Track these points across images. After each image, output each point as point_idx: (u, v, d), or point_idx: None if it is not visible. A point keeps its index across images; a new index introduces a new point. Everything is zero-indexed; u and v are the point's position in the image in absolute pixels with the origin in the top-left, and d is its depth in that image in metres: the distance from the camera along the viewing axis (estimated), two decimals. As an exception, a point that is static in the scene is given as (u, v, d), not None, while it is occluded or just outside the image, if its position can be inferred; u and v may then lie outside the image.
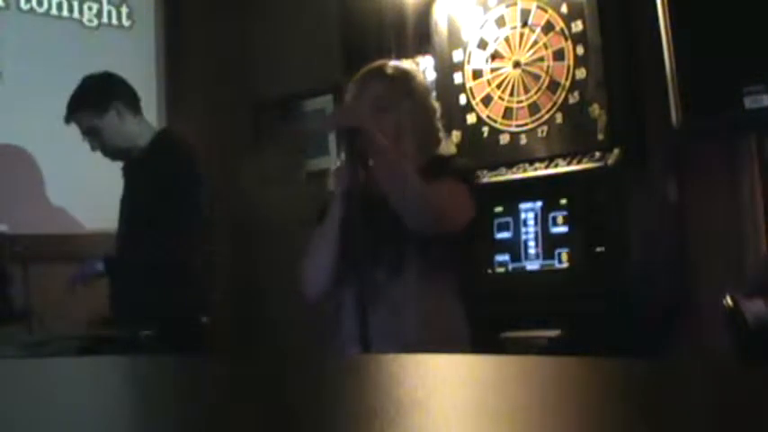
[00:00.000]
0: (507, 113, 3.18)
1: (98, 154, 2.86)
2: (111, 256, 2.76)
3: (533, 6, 3.13)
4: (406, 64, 2.39)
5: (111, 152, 2.79)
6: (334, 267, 2.14)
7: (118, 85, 2.82)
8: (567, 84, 3.03)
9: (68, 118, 2.76)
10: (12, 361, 2.03)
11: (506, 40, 3.20)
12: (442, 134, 2.31)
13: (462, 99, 3.29)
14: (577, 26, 3.02)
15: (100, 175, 3.64)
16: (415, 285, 2.11)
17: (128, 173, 2.85)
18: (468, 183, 2.20)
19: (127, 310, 2.69)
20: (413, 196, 2.04)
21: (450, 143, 2.38)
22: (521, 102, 3.15)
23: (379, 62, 2.34)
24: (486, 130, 3.23)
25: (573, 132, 3.01)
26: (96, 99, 2.75)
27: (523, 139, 3.14)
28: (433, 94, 2.42)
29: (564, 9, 3.05)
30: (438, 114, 2.31)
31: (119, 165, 2.92)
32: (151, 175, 2.70)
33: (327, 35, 3.85)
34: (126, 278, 2.69)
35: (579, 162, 2.95)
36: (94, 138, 2.75)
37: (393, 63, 2.35)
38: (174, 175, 2.68)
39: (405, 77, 2.26)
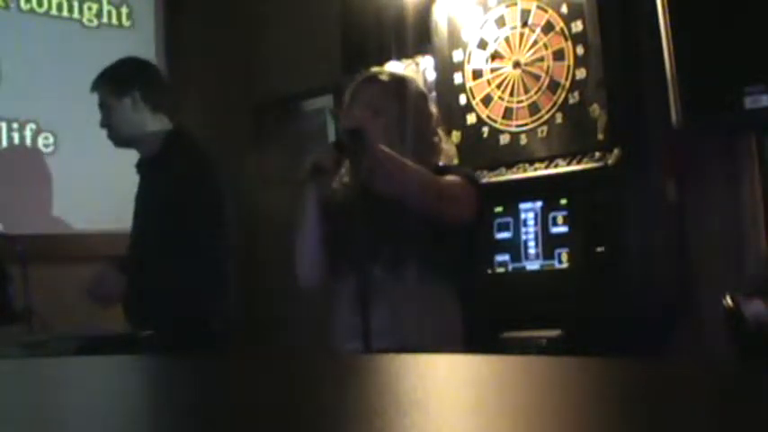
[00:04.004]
0: (507, 113, 3.18)
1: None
2: (127, 265, 2.72)
3: (533, 6, 3.13)
4: (401, 71, 2.44)
5: (115, 136, 2.78)
6: (320, 254, 2.19)
7: (147, 76, 2.81)
8: (567, 84, 3.02)
9: (93, 86, 2.78)
10: (12, 361, 2.03)
11: (506, 40, 3.19)
12: (442, 142, 2.33)
13: (462, 99, 3.29)
14: (577, 26, 3.01)
15: (94, 177, 3.65)
16: (413, 284, 2.13)
17: (141, 171, 2.84)
18: (472, 184, 2.22)
19: (140, 311, 2.67)
20: (413, 180, 2.08)
21: (452, 155, 2.40)
22: (521, 102, 3.15)
23: (375, 69, 2.40)
24: (486, 130, 3.23)
25: (573, 132, 3.01)
26: (119, 80, 2.75)
27: (523, 139, 3.14)
28: (431, 100, 2.44)
29: (564, 9, 3.05)
30: (434, 121, 2.32)
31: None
32: (166, 175, 2.68)
33: (327, 35, 3.85)
34: (144, 280, 2.67)
35: (579, 162, 2.95)
36: (104, 115, 2.75)
37: (388, 70, 2.41)
38: (191, 175, 2.67)
39: (397, 82, 2.30)
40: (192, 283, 2.64)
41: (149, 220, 2.73)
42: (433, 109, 2.36)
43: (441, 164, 2.30)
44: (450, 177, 2.19)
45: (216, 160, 2.78)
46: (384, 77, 2.32)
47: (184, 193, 2.63)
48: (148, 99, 2.76)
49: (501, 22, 3.22)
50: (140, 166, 2.84)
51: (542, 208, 3.00)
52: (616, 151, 2.88)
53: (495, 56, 3.22)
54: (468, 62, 3.29)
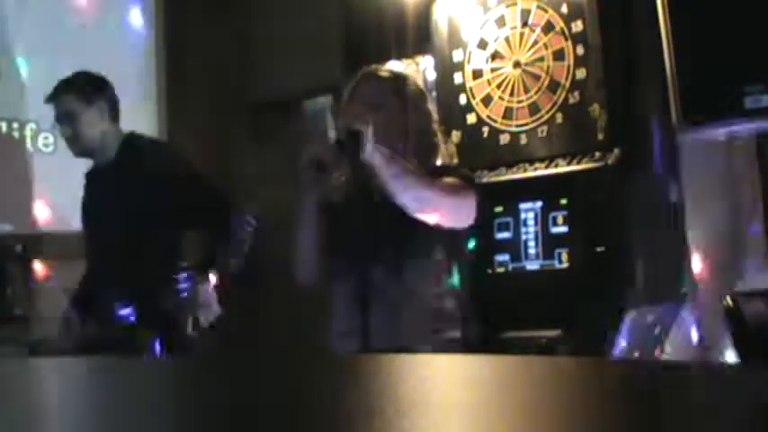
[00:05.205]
0: (507, 113, 3.18)
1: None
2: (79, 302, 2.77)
3: (533, 6, 3.13)
4: (400, 68, 2.42)
5: (79, 145, 2.79)
6: (319, 253, 2.18)
7: (108, 88, 2.85)
8: (567, 84, 3.02)
9: (52, 97, 2.78)
10: (12, 361, 2.03)
11: (506, 40, 3.19)
12: (440, 142, 2.32)
13: (462, 99, 3.29)
14: (577, 26, 3.01)
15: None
16: (412, 284, 2.13)
17: (97, 178, 2.84)
18: (471, 186, 2.22)
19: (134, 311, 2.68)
20: (412, 182, 2.06)
21: (451, 154, 2.39)
22: (521, 102, 3.15)
23: (373, 66, 2.38)
24: (486, 130, 3.23)
25: (573, 132, 3.01)
26: (86, 89, 2.78)
27: (523, 139, 3.14)
28: (430, 99, 2.43)
29: (564, 9, 3.05)
30: (433, 119, 2.31)
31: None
32: (137, 179, 2.70)
33: (327, 35, 3.85)
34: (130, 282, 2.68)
35: (579, 162, 2.95)
36: (70, 124, 2.76)
37: (387, 67, 2.40)
38: (170, 175, 2.70)
39: (396, 78, 2.29)
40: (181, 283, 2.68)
41: (122, 224, 2.72)
42: (432, 108, 2.35)
43: (438, 164, 2.29)
44: (449, 180, 2.18)
45: (182, 156, 2.82)
46: (383, 74, 2.31)
47: (172, 195, 2.66)
48: (111, 109, 2.81)
49: (501, 22, 3.22)
50: (95, 174, 2.84)
51: (542, 208, 2.99)
52: (616, 151, 2.88)
53: (496, 56, 3.22)
54: (468, 62, 3.29)
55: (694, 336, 2.83)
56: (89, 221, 2.85)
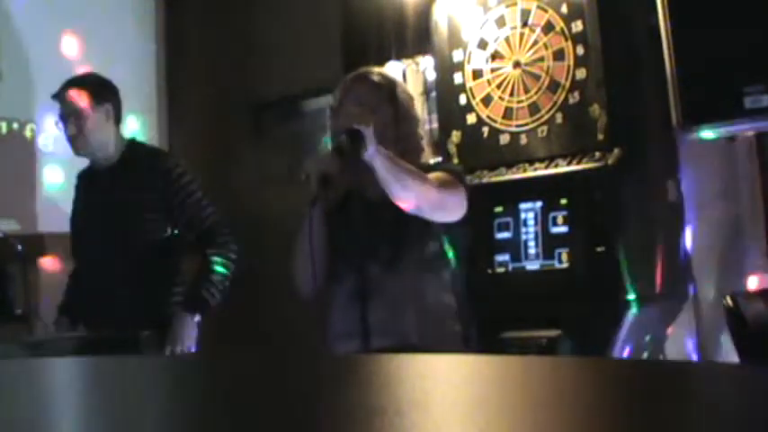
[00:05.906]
0: (507, 113, 3.18)
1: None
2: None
3: (533, 6, 3.13)
4: (390, 72, 2.45)
5: (83, 145, 2.78)
6: (324, 262, 2.18)
7: (116, 91, 2.86)
8: (567, 84, 3.02)
9: (61, 93, 2.78)
10: (12, 361, 2.03)
11: (506, 40, 3.19)
12: (425, 144, 2.37)
13: (462, 99, 3.29)
14: (577, 26, 3.01)
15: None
16: (410, 281, 2.14)
17: (96, 180, 2.84)
18: (461, 181, 2.24)
19: (127, 311, 2.69)
20: (409, 178, 2.09)
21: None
22: (521, 102, 3.15)
23: (364, 69, 2.40)
24: (486, 130, 3.23)
25: (573, 132, 3.00)
26: (97, 89, 2.80)
27: (523, 139, 3.13)
28: (417, 103, 2.47)
29: (564, 9, 3.04)
30: (420, 123, 2.35)
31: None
32: (140, 184, 2.72)
33: (327, 35, 3.85)
34: (128, 282, 2.69)
35: (579, 162, 2.95)
36: (76, 122, 2.75)
37: (378, 70, 2.43)
38: (168, 184, 2.73)
39: (388, 84, 2.32)
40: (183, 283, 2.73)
41: (120, 226, 2.72)
42: (419, 112, 2.39)
43: (422, 161, 2.31)
44: (438, 174, 2.19)
45: (181, 163, 2.86)
46: (375, 78, 2.33)
47: (162, 202, 2.70)
48: (117, 114, 2.83)
49: (501, 22, 3.21)
50: (92, 175, 2.85)
51: (542, 208, 2.99)
52: (616, 151, 2.88)
53: (496, 56, 3.22)
54: (468, 62, 3.29)
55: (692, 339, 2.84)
56: (84, 222, 2.84)
